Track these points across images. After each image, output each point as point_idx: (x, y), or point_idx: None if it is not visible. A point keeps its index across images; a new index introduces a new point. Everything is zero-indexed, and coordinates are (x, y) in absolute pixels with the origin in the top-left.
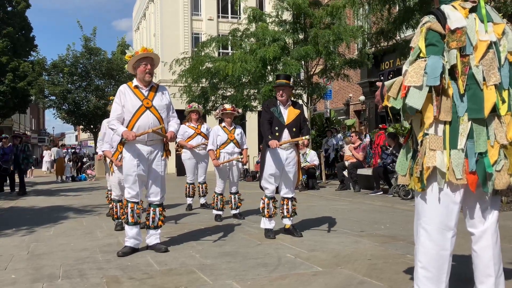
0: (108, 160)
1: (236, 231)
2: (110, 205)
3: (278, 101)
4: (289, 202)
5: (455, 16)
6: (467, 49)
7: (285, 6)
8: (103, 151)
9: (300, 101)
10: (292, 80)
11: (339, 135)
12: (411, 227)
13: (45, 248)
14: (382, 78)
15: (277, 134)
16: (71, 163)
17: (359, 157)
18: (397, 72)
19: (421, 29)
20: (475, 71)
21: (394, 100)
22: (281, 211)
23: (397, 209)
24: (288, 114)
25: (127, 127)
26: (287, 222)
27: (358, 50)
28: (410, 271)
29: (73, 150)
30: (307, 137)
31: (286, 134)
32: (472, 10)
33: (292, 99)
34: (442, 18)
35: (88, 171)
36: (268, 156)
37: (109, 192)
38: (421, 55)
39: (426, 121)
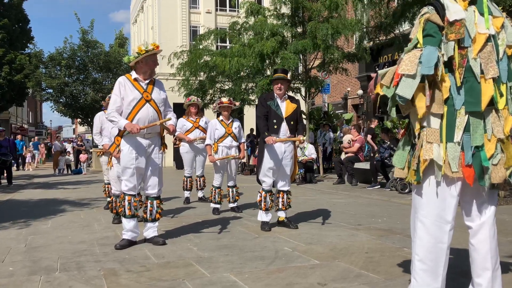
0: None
1: (234, 224)
2: (109, 199)
3: (275, 95)
4: (285, 195)
5: (454, 8)
6: (466, 41)
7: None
8: (102, 145)
9: (298, 95)
10: (289, 74)
11: (332, 134)
12: (408, 220)
13: (42, 241)
14: (377, 69)
15: (275, 127)
16: (71, 155)
17: (353, 149)
18: (393, 63)
19: (419, 20)
20: (472, 64)
21: (386, 88)
22: (276, 204)
23: (394, 202)
24: (286, 107)
25: (126, 119)
26: (282, 215)
27: (356, 45)
28: (406, 264)
29: (72, 142)
30: (304, 138)
31: (284, 127)
32: (472, 2)
33: (290, 93)
34: (441, 10)
35: (81, 156)
36: (267, 150)
37: (106, 186)
38: (418, 45)
39: (419, 111)
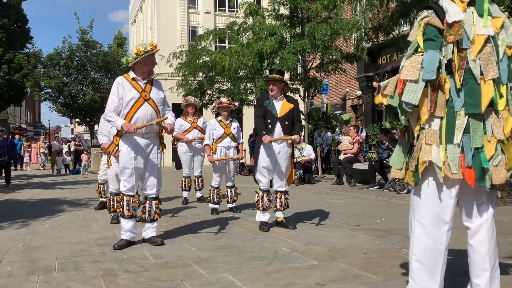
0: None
1: (232, 225)
2: (102, 199)
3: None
4: (282, 196)
5: (453, 10)
6: (464, 43)
7: (280, 0)
8: (101, 144)
9: (297, 96)
10: (287, 74)
11: (329, 134)
12: (407, 221)
13: (41, 241)
14: (378, 78)
15: (269, 126)
16: (69, 156)
17: (353, 150)
18: (392, 72)
19: (419, 23)
20: (472, 65)
21: (390, 98)
22: (274, 205)
23: (392, 203)
24: (281, 107)
25: (124, 119)
26: (280, 215)
27: (354, 45)
28: (405, 264)
29: (70, 141)
30: (296, 137)
31: (278, 127)
32: (470, 3)
33: (288, 93)
34: (440, 13)
35: (83, 156)
36: (261, 149)
37: (99, 186)
38: (419, 49)
39: (422, 117)
